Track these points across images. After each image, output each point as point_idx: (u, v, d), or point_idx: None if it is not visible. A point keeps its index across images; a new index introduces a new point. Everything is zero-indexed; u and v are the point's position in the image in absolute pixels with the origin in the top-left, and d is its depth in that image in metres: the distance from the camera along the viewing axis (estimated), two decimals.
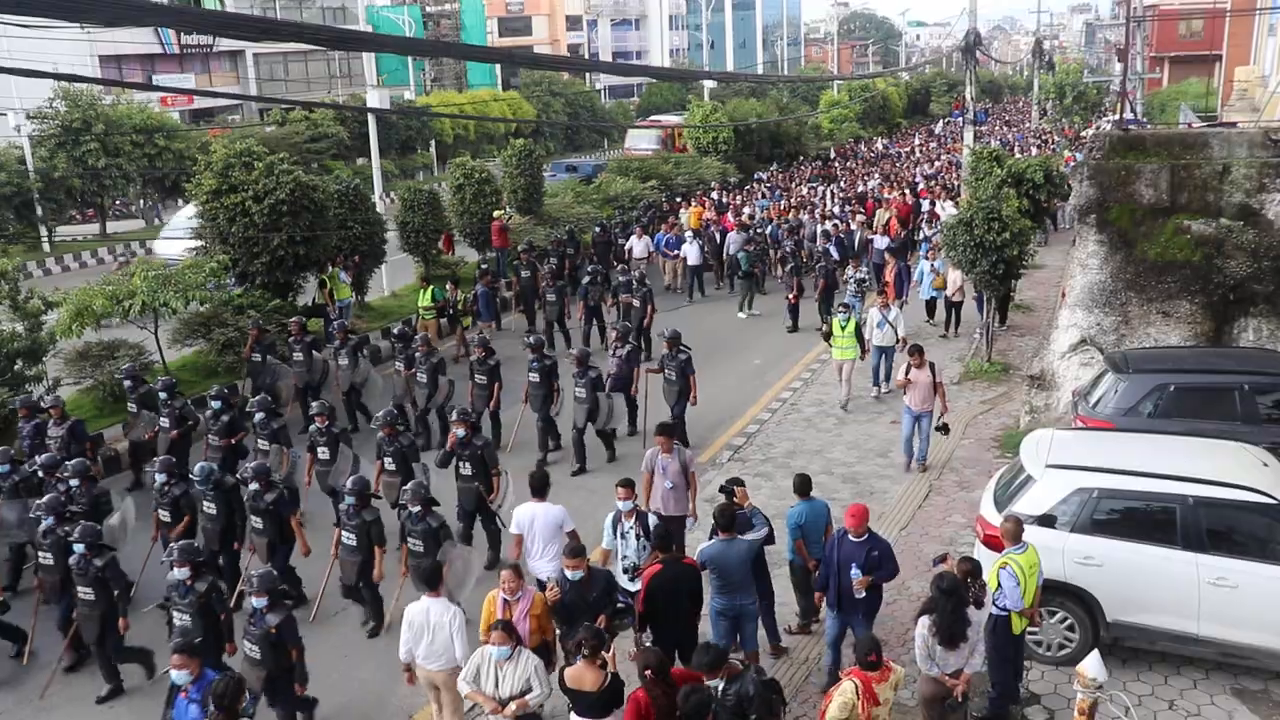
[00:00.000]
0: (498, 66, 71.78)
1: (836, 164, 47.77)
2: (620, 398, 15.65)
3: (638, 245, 27.11)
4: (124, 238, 37.48)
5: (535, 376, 15.53)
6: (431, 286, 21.82)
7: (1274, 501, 9.39)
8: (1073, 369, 15.23)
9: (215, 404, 14.39)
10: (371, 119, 28.37)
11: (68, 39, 18.54)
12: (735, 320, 23.99)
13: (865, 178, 40.65)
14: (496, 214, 26.09)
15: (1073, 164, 24.40)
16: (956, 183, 33.51)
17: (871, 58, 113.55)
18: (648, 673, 7.36)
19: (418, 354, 16.13)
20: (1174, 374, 12.77)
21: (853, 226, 28.21)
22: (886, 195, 34.16)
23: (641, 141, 44.76)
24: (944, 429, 14.93)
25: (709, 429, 16.86)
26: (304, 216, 20.00)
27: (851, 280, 21.59)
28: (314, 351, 17.11)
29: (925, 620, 8.20)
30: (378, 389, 16.70)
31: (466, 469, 12.45)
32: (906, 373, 14.25)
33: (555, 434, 15.81)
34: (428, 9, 77.05)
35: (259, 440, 13.72)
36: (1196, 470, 9.80)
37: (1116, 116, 32.78)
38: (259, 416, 13.77)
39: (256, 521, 11.34)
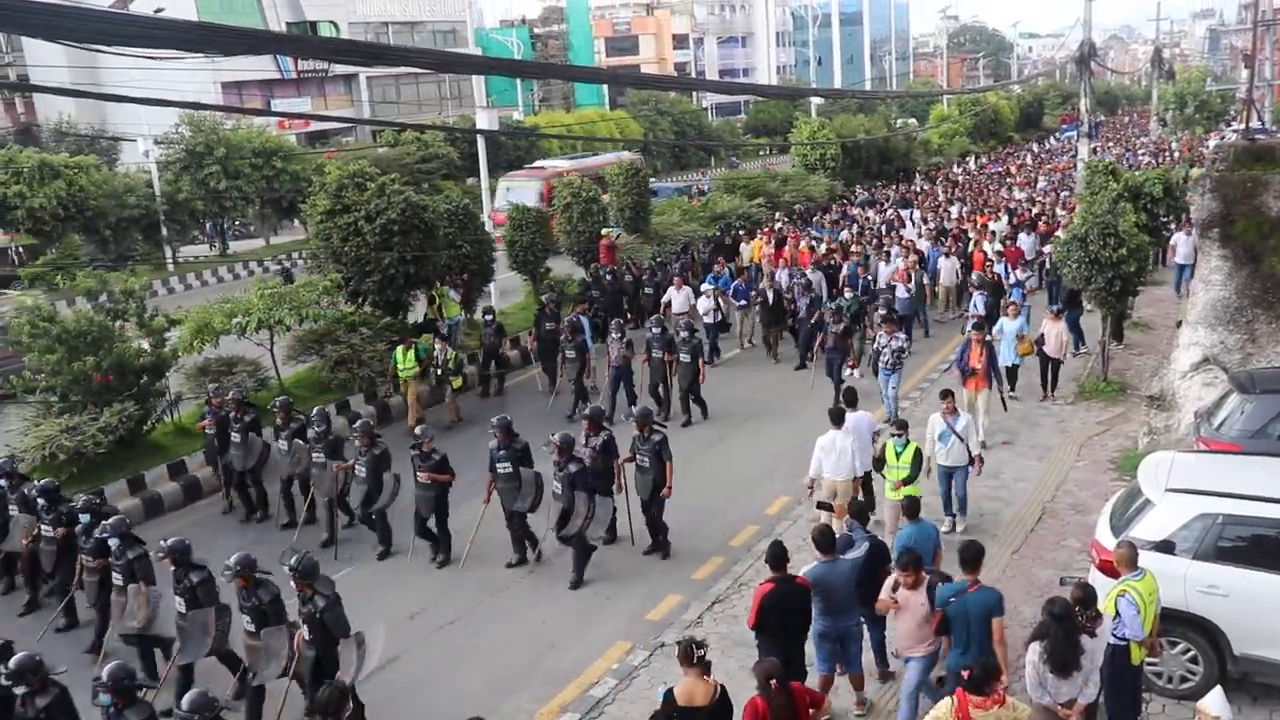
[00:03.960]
0: (605, 86, 72.56)
1: (915, 188, 43.57)
2: (605, 500, 12.78)
3: (677, 297, 22.55)
4: (243, 257, 38.84)
5: (506, 467, 12.97)
6: (415, 344, 18.87)
7: None
8: (1195, 389, 14.64)
9: (84, 517, 11.95)
10: (480, 139, 28.83)
11: (191, 69, 19.22)
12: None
13: (949, 204, 35.81)
14: (605, 232, 26.26)
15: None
16: (1054, 207, 32.21)
17: (982, 71, 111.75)
18: (773, 682, 7.34)
19: (358, 443, 13.68)
20: None
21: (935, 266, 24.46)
22: (968, 229, 29.02)
23: (520, 195, 32.85)
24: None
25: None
26: (414, 235, 20.38)
27: (886, 349, 16.79)
28: (253, 433, 15.03)
29: (1036, 646, 7.94)
30: (327, 482, 14.03)
31: (506, 467, 12.93)
32: (894, 589, 9.00)
33: (530, 539, 13.24)
34: (536, 30, 78.39)
35: (114, 573, 11.14)
36: None
37: (1243, 125, 31.60)
38: (113, 543, 11.04)
39: None
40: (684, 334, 18.28)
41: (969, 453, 12.90)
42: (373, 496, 13.56)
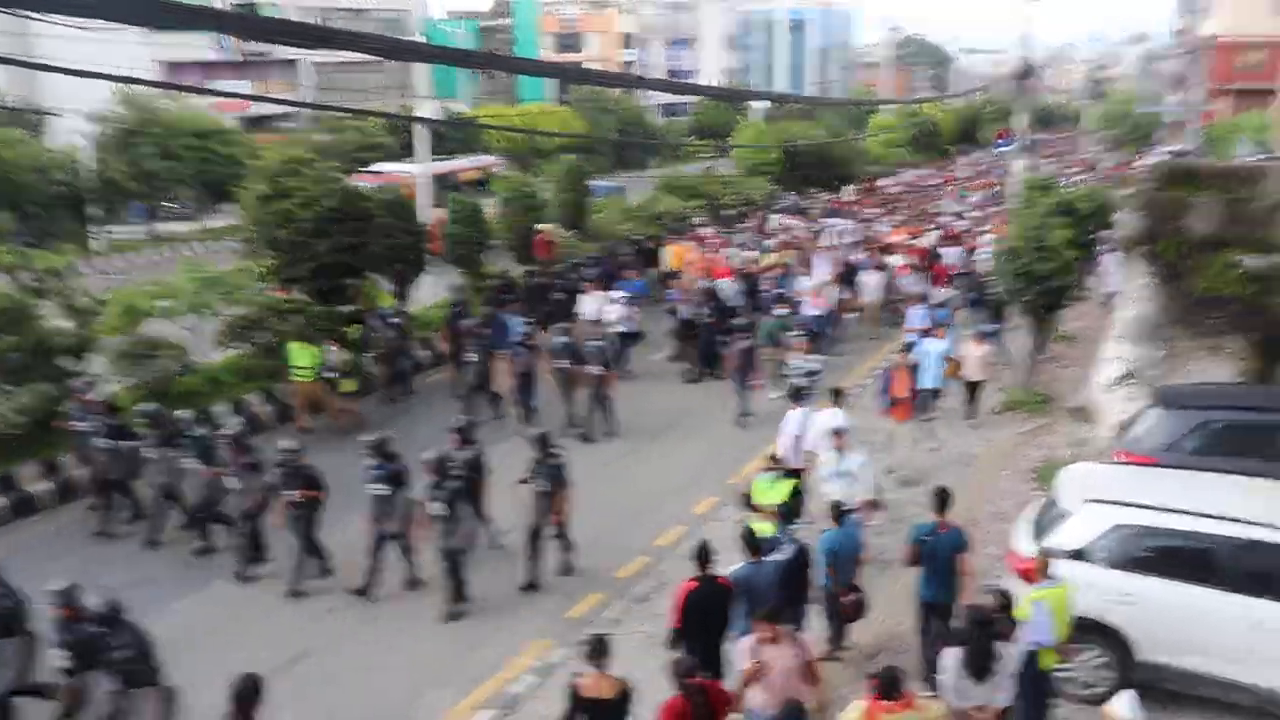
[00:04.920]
0: (548, 82, 72.24)
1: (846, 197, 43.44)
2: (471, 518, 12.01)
3: (588, 304, 21.57)
4: (173, 239, 38.09)
5: (381, 489, 11.96)
6: (312, 345, 17.77)
7: None
8: (1116, 402, 14.98)
9: None
10: (418, 130, 28.59)
11: (127, 42, 18.80)
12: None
13: (884, 216, 36.13)
14: (541, 228, 26.15)
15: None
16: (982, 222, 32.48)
17: (923, 84, 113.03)
18: (691, 680, 7.41)
19: (228, 454, 12.79)
20: (1220, 410, 12.51)
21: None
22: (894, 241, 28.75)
23: None
24: None
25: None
26: (350, 224, 20.13)
27: (795, 373, 15.99)
28: (122, 439, 13.85)
29: (954, 652, 8.05)
30: (199, 490, 13.31)
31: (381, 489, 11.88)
32: (753, 655, 8.01)
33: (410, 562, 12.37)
34: (483, 23, 77.87)
35: None
36: (1242, 510, 9.56)
37: (1169, 149, 32.40)
38: None
39: None
40: (591, 345, 17.48)
41: (870, 493, 12.04)
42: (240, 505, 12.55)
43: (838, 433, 12.28)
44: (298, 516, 12.13)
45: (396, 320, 19.71)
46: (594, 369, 17.20)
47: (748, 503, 11.04)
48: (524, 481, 12.33)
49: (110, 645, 8.53)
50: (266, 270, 19.28)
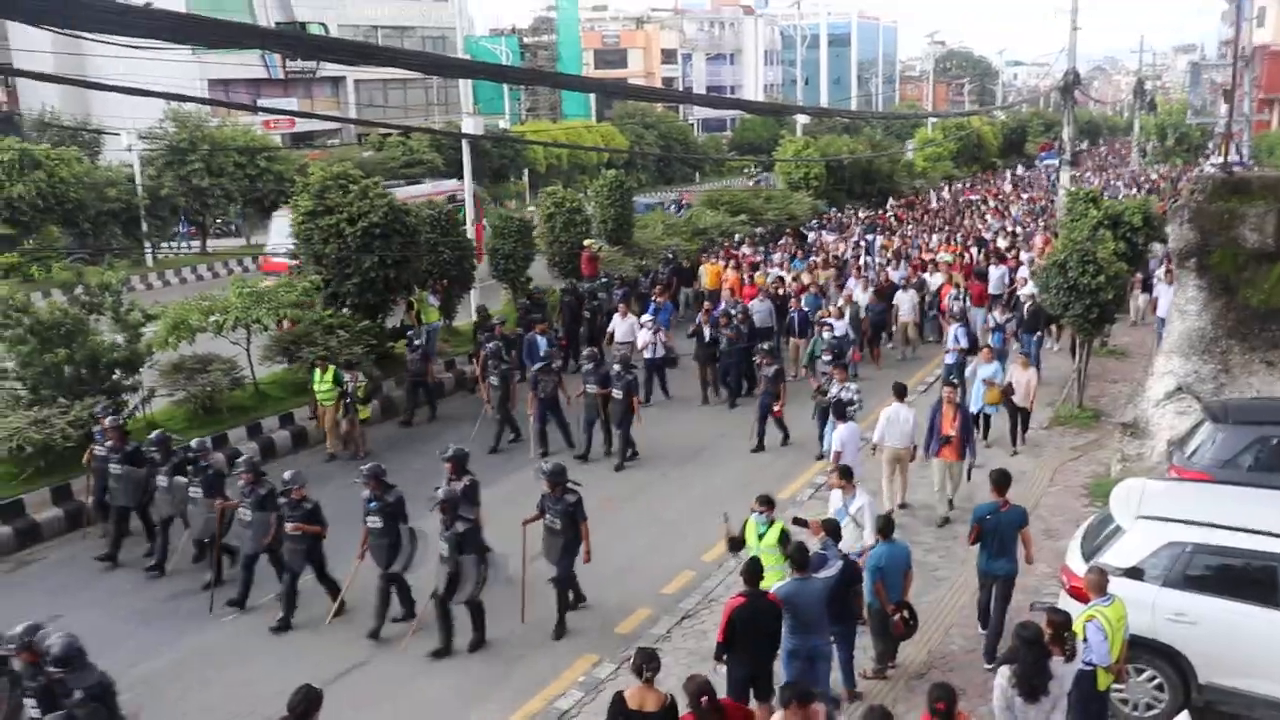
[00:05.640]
0: (592, 99, 72.64)
1: (887, 212, 42.43)
2: (473, 560, 11.16)
3: (620, 326, 21.20)
4: (223, 255, 38.64)
5: (377, 521, 11.55)
6: (333, 367, 17.57)
7: None
8: (1168, 418, 14.74)
9: None
10: (465, 147, 28.79)
11: (177, 60, 19.13)
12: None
13: (928, 232, 34.86)
14: (586, 243, 26.24)
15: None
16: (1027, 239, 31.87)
17: (967, 96, 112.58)
18: (703, 699, 7.33)
19: (241, 481, 12.31)
20: (1276, 426, 12.28)
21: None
22: (937, 257, 27.43)
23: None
24: None
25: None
26: (395, 240, 20.30)
27: (838, 394, 15.07)
28: (134, 464, 13.61)
29: (1005, 670, 7.93)
30: (201, 521, 12.97)
31: (376, 520, 11.52)
32: None
33: (406, 599, 11.86)
34: (525, 40, 78.51)
35: None
36: None
37: (1221, 159, 31.91)
38: None
39: None
40: (617, 368, 16.80)
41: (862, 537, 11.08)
42: (255, 541, 12.20)
43: (840, 471, 11.65)
44: (295, 550, 11.77)
45: (419, 343, 19.38)
46: (618, 393, 16.69)
47: (737, 545, 10.65)
48: (535, 519, 11.72)
49: (69, 689, 7.92)
50: (313, 286, 19.47)
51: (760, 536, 10.46)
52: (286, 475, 11.98)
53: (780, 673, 9.28)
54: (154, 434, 13.92)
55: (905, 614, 10.06)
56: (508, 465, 16.68)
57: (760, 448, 17.41)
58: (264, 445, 17.70)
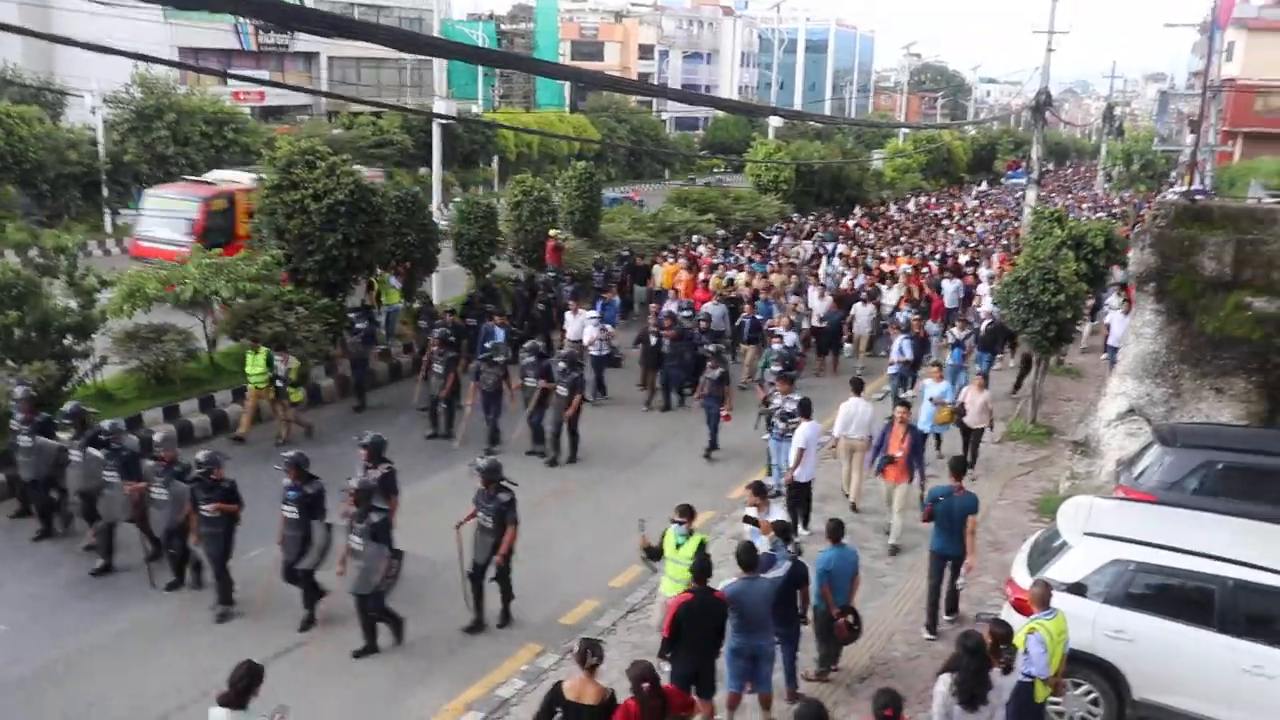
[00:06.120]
0: (567, 90, 72.42)
1: (855, 221, 42.22)
2: (378, 550, 10.59)
3: (573, 323, 20.83)
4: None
5: (292, 511, 11.14)
6: (265, 349, 17.12)
7: None
8: (1118, 438, 14.93)
9: None
10: (436, 129, 28.54)
11: (147, 21, 18.85)
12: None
13: (888, 244, 34.55)
14: (552, 233, 26.15)
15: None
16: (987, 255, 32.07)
17: (940, 110, 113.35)
18: (645, 685, 7.36)
19: (156, 464, 11.96)
20: (1223, 451, 12.47)
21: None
22: (897, 269, 27.27)
23: (159, 223, 25.77)
24: None
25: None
26: (360, 219, 20.11)
27: (778, 411, 14.74)
28: (45, 436, 13.17)
29: (946, 678, 8.00)
30: (118, 504, 12.28)
31: (292, 511, 11.17)
32: None
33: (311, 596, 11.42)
34: (503, 27, 78.15)
35: None
36: (1240, 552, 9.50)
37: (1184, 187, 32.32)
38: None
39: None
40: (563, 365, 16.47)
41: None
42: (172, 517, 11.78)
43: (754, 487, 11.15)
44: (212, 534, 11.38)
45: (361, 327, 18.99)
46: (563, 390, 16.32)
47: (654, 555, 10.31)
48: (470, 518, 11.36)
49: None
50: (274, 260, 19.26)
51: (678, 547, 10.00)
52: (201, 455, 11.54)
53: (723, 670, 9.33)
54: (68, 406, 13.30)
55: (850, 618, 10.12)
56: (449, 459, 16.34)
57: (711, 447, 17.30)
58: (216, 419, 17.52)
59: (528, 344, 17.48)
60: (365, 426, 14.52)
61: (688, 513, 10.10)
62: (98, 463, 12.40)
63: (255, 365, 16.90)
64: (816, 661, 10.53)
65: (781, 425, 14.59)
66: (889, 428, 13.78)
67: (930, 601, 11.56)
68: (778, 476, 14.67)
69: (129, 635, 11.26)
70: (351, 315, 19.58)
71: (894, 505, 13.75)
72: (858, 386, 15.26)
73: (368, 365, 19.09)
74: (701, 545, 9.89)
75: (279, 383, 16.89)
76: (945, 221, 44.57)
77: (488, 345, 17.76)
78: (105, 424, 13.15)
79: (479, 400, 16.90)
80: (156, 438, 12.31)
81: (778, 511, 11.04)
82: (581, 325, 20.52)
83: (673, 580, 9.98)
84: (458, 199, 32.36)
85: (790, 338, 19.63)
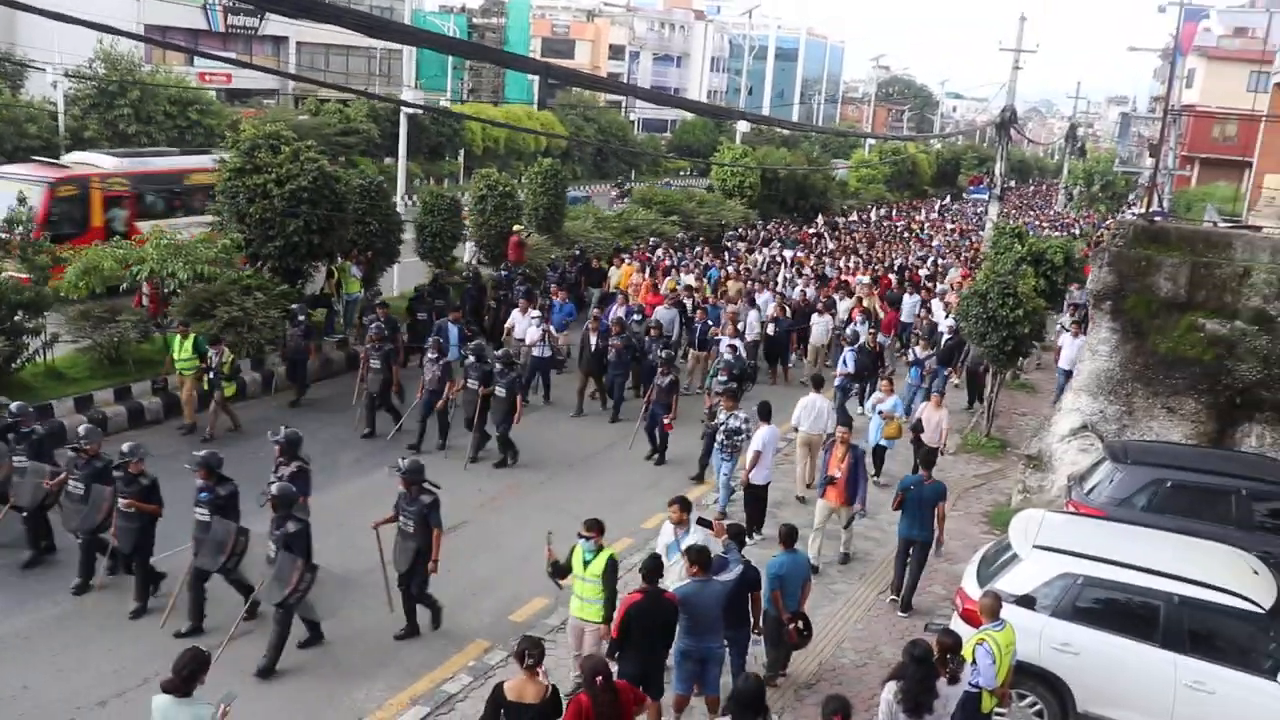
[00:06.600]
0: (536, 87, 72.20)
1: (811, 230, 41.76)
2: (293, 560, 10.01)
3: (520, 322, 19.97)
4: None
5: (204, 514, 10.72)
6: (194, 335, 16.39)
7: (1260, 610, 9.24)
8: (1071, 453, 15.10)
9: None
10: (403, 120, 28.41)
11: None
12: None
13: (842, 254, 33.76)
14: (515, 228, 26.05)
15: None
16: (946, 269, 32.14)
17: (906, 123, 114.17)
18: (598, 678, 7.34)
19: (75, 453, 11.50)
20: (1172, 470, 12.64)
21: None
22: (855, 280, 26.98)
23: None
24: None
25: None
26: (323, 206, 19.91)
27: (721, 428, 14.39)
28: None
29: (892, 686, 8.03)
30: (27, 491, 11.75)
31: (204, 513, 10.75)
32: None
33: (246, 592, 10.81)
34: (474, 20, 77.85)
35: None
36: (1185, 569, 9.64)
37: (1142, 210, 32.78)
38: None
39: None
40: (500, 365, 15.93)
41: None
42: (88, 517, 11.24)
43: (675, 503, 10.54)
44: (126, 530, 10.95)
45: (302, 319, 18.33)
46: (501, 391, 15.81)
47: (561, 571, 9.82)
48: (390, 520, 10.94)
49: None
50: (233, 244, 19.05)
51: (585, 564, 9.52)
52: (125, 447, 11.16)
53: (672, 672, 9.31)
54: None
55: (800, 624, 10.14)
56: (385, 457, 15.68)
57: (660, 458, 16.86)
58: (169, 403, 17.25)
59: (472, 344, 17.04)
60: (302, 421, 14.23)
61: (596, 527, 9.59)
62: (4, 452, 11.84)
63: (183, 350, 16.22)
64: (765, 666, 10.53)
65: (726, 441, 14.25)
66: (830, 447, 13.33)
67: (897, 588, 12.46)
68: (724, 497, 14.54)
69: (68, 619, 11.03)
70: (293, 307, 18.69)
71: (841, 525, 13.32)
72: (818, 383, 16.09)
73: (307, 359, 18.42)
74: (611, 560, 9.53)
75: (210, 374, 16.23)
76: (905, 234, 44.78)
77: (426, 344, 16.99)
78: (12, 406, 12.53)
79: (422, 399, 16.44)
80: (80, 430, 11.68)
81: (697, 533, 10.26)
82: (528, 326, 19.64)
83: (580, 599, 9.61)
84: (419, 189, 32.12)
85: (731, 346, 19.06)
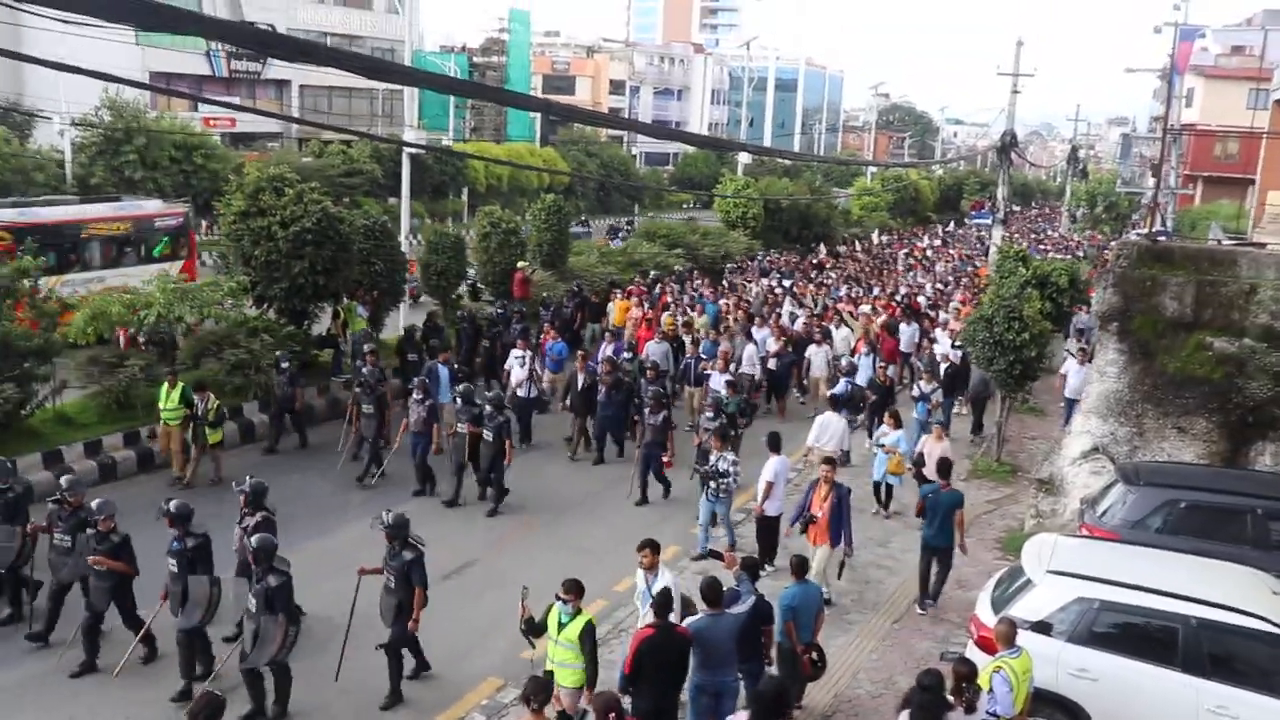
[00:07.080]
0: (537, 122, 72.64)
1: (813, 259, 41.92)
2: (276, 620, 9.74)
3: (516, 367, 19.18)
4: None
5: (174, 565, 10.45)
6: (181, 385, 16.18)
7: None
8: (1083, 476, 15.01)
9: None
10: (406, 160, 28.51)
11: (119, 41, 18.71)
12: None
13: (842, 283, 33.71)
14: (520, 265, 26.14)
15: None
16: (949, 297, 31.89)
17: (907, 150, 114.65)
18: (611, 715, 7.29)
19: (56, 506, 11.23)
20: (1186, 490, 12.54)
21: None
22: (858, 309, 26.70)
23: None
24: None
25: None
26: (327, 247, 20.02)
27: (710, 469, 13.78)
28: None
29: (904, 715, 7.95)
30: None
31: (174, 564, 10.51)
32: None
33: (205, 653, 10.61)
34: (475, 60, 78.43)
35: None
36: (1203, 591, 9.54)
37: (1146, 230, 32.78)
38: None
39: None
40: (489, 408, 15.51)
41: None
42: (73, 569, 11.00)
43: (644, 547, 10.00)
44: (99, 588, 10.67)
45: (286, 366, 17.91)
46: (489, 435, 15.39)
47: (535, 629, 9.37)
48: (375, 572, 10.63)
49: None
50: (239, 287, 19.14)
51: (560, 627, 9.03)
52: (95, 504, 10.88)
53: (686, 708, 9.23)
54: None
55: (814, 655, 10.05)
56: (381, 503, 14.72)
57: (644, 500, 16.28)
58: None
59: (461, 387, 16.61)
60: (281, 470, 14.50)
61: (575, 589, 9.04)
62: None
63: (169, 400, 16.00)
64: None
65: (714, 485, 13.76)
66: (814, 485, 12.84)
67: (923, 592, 13.00)
68: (703, 540, 14.01)
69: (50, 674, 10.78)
70: (278, 355, 18.24)
71: (813, 569, 11.64)
72: (834, 403, 17.06)
73: (294, 405, 17.96)
74: (589, 625, 9.04)
75: (196, 421, 16.00)
76: (909, 260, 44.79)
77: (412, 385, 16.70)
78: None
79: (412, 441, 16.14)
80: (63, 481, 11.45)
81: (666, 576, 9.81)
82: (525, 368, 18.99)
83: (554, 663, 9.12)
84: (420, 228, 32.22)
85: (721, 380, 18.58)
